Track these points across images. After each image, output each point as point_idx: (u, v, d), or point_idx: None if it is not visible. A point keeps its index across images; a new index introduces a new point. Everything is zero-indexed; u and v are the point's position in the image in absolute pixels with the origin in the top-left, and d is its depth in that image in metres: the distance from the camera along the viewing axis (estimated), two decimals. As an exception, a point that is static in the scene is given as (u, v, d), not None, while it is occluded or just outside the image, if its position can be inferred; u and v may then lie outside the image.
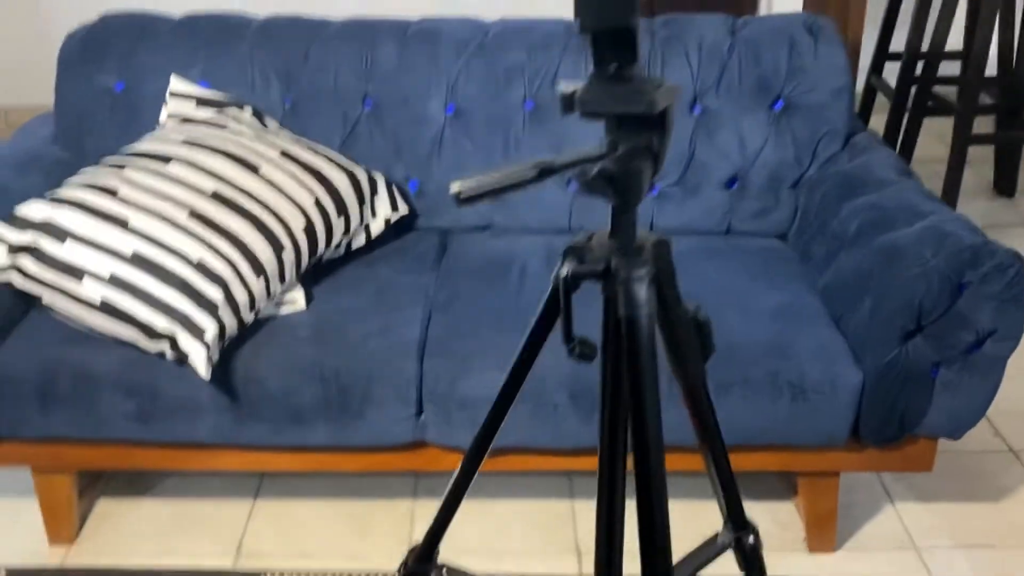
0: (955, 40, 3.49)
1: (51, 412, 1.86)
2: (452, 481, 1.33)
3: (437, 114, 2.27)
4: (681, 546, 1.35)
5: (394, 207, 2.22)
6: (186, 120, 2.14)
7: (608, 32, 0.99)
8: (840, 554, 2.05)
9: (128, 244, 1.79)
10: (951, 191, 3.25)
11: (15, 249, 1.80)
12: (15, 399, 1.85)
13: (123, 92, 2.27)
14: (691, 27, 2.28)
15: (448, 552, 1.46)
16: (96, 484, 2.21)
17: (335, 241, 2.08)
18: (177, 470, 2.19)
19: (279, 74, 2.27)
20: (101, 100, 2.28)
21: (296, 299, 1.98)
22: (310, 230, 1.99)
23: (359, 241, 2.17)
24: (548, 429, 1.87)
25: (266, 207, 1.94)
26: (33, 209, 1.83)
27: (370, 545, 2.07)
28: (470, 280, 2.09)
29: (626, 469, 1.22)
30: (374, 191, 2.18)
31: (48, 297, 1.83)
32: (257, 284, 1.86)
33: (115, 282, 1.77)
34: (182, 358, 1.77)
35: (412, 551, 1.42)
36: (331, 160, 2.13)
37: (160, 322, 1.76)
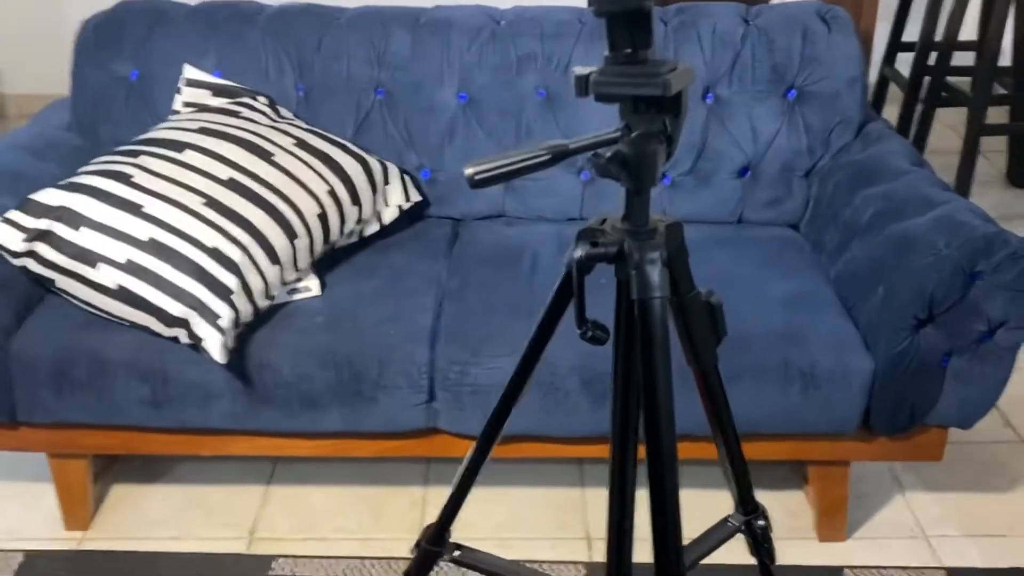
0: (968, 30, 3.48)
1: (66, 397, 1.88)
2: (466, 459, 1.34)
3: (449, 102, 2.28)
4: (692, 535, 1.36)
5: (406, 195, 2.23)
6: (201, 108, 2.15)
7: (623, 15, 0.99)
8: (850, 543, 2.06)
9: (143, 230, 1.80)
10: (964, 181, 3.24)
11: (31, 235, 1.82)
12: (31, 384, 1.87)
13: (138, 80, 2.28)
14: (704, 15, 2.27)
15: (459, 539, 1.48)
16: (111, 469, 2.23)
17: (348, 228, 2.09)
18: (191, 455, 2.21)
19: (292, 63, 2.28)
20: (116, 88, 2.29)
21: (310, 286, 1.99)
22: (323, 218, 2.00)
23: (372, 228, 2.18)
24: (559, 417, 1.87)
25: (280, 195, 1.95)
26: (48, 195, 1.85)
27: (382, 530, 2.08)
28: (482, 268, 2.10)
29: (637, 457, 1.23)
30: (387, 179, 2.19)
31: (63, 282, 1.85)
32: (271, 270, 1.87)
33: (130, 267, 1.79)
34: (197, 343, 1.78)
35: (426, 530, 1.44)
36: (344, 148, 2.14)
37: (175, 307, 1.77)
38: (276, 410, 1.88)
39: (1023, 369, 1.95)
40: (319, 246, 2.01)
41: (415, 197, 2.25)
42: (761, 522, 1.36)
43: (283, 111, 2.23)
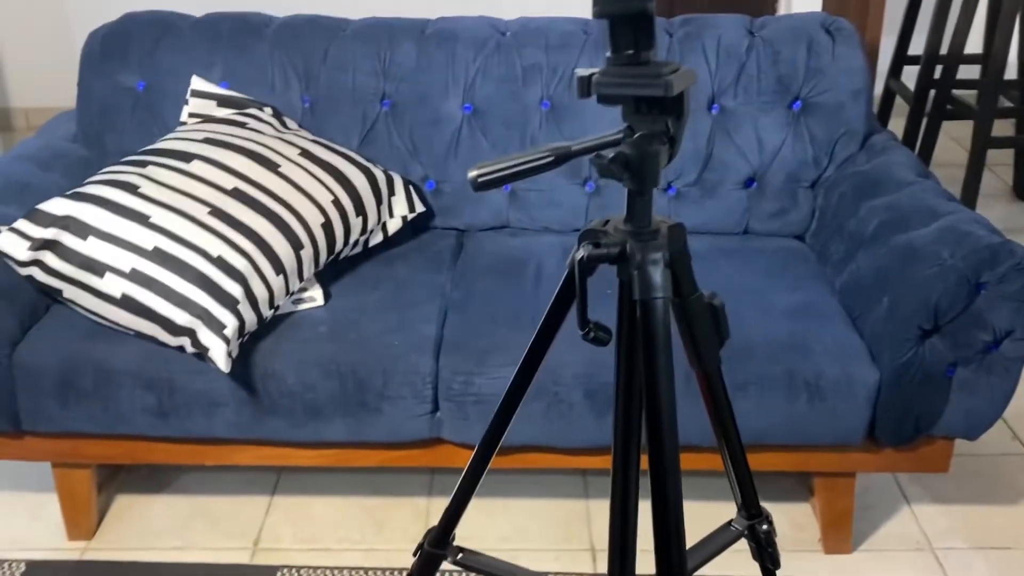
0: (974, 43, 3.48)
1: (71, 406, 1.88)
2: (469, 463, 1.34)
3: (454, 113, 2.29)
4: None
5: (411, 206, 2.23)
6: (207, 119, 2.16)
7: (625, 16, 1.00)
8: (856, 555, 2.05)
9: (149, 239, 1.81)
10: (970, 194, 3.24)
11: (37, 245, 1.82)
12: (36, 393, 1.87)
13: (144, 91, 2.29)
14: (709, 27, 2.28)
15: (463, 548, 1.48)
16: (115, 479, 2.23)
17: (353, 239, 2.09)
18: (195, 465, 2.21)
19: (298, 74, 2.29)
20: (123, 99, 2.30)
21: (314, 296, 2.00)
22: (328, 228, 2.01)
23: (377, 239, 2.19)
24: (562, 427, 1.87)
25: (286, 205, 1.96)
26: (55, 205, 1.85)
27: (386, 541, 2.08)
28: (486, 279, 2.10)
29: (640, 465, 1.23)
30: (391, 190, 2.19)
31: (69, 292, 1.85)
32: (276, 280, 1.87)
33: (136, 277, 1.79)
34: (202, 353, 1.78)
35: (428, 533, 1.44)
36: (349, 159, 2.15)
37: (180, 316, 1.78)
38: (280, 420, 1.88)
39: (1030, 381, 1.94)
40: (324, 256, 2.01)
41: (420, 208, 2.25)
42: (765, 527, 1.35)
43: (289, 122, 2.24)
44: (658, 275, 1.09)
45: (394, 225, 2.21)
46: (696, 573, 1.34)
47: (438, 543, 1.42)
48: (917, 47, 3.63)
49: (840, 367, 1.83)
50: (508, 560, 1.38)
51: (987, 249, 1.74)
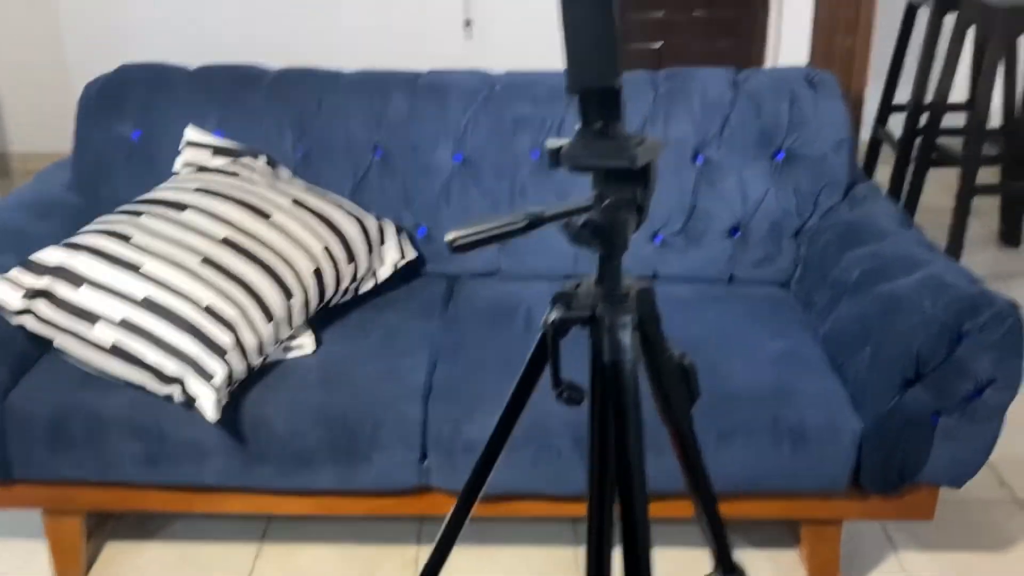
0: (959, 92, 3.53)
1: (61, 454, 1.89)
2: (450, 513, 1.35)
3: (445, 163, 2.32)
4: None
5: (402, 253, 2.26)
6: (201, 168, 2.19)
7: (594, 92, 1.04)
8: (844, 603, 2.05)
9: (140, 289, 1.83)
10: (956, 241, 3.28)
11: (31, 294, 1.85)
12: (27, 441, 1.88)
13: (140, 140, 2.33)
14: (694, 80, 2.33)
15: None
16: (104, 527, 2.23)
17: (344, 286, 2.12)
18: (184, 513, 2.21)
19: (292, 124, 2.33)
20: (118, 148, 2.33)
21: (304, 343, 2.01)
22: (319, 276, 2.03)
23: (367, 286, 2.21)
24: (551, 474, 1.88)
25: (277, 253, 1.98)
26: (49, 254, 1.88)
27: (374, 589, 2.08)
28: (476, 325, 2.12)
29: (613, 514, 1.25)
30: (383, 238, 2.22)
31: (61, 340, 1.87)
32: (266, 328, 1.89)
33: (126, 326, 1.81)
34: (191, 401, 1.80)
35: None
36: (342, 208, 2.18)
37: (170, 365, 1.79)
38: (270, 467, 1.89)
39: (1018, 428, 1.96)
40: (314, 304, 2.04)
41: (411, 254, 2.28)
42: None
43: (282, 171, 2.27)
44: (627, 338, 1.13)
45: (385, 272, 2.23)
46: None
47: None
48: (903, 95, 3.69)
49: (824, 415, 1.85)
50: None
51: (968, 299, 1.77)
